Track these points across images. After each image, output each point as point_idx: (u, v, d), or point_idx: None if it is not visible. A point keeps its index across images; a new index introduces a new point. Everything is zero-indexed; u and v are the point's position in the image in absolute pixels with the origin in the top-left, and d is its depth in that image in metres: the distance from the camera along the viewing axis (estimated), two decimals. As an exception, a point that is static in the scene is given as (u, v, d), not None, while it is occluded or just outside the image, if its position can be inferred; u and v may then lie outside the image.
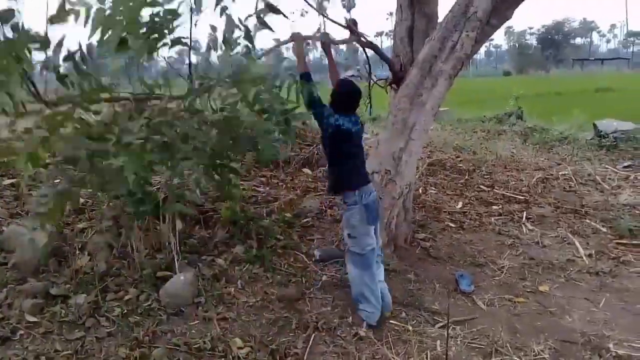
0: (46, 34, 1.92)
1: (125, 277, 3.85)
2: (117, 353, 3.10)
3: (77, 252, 3.97)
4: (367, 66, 4.83)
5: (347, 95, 3.68)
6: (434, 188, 6.92)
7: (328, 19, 4.38)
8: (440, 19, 4.73)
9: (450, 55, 4.39)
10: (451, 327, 3.63)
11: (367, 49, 4.66)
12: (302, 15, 4.93)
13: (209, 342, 3.27)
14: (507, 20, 4.62)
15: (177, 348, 3.19)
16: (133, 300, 3.62)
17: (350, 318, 3.72)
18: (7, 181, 4.93)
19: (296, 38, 3.73)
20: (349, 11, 4.96)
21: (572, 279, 4.58)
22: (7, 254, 3.92)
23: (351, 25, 4.34)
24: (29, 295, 3.50)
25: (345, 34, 4.41)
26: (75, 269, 3.79)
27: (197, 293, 3.78)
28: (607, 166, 8.48)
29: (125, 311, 3.50)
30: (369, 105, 5.25)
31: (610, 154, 9.46)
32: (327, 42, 4.00)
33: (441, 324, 3.72)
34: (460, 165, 8.04)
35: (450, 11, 4.48)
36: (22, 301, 3.44)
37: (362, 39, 4.38)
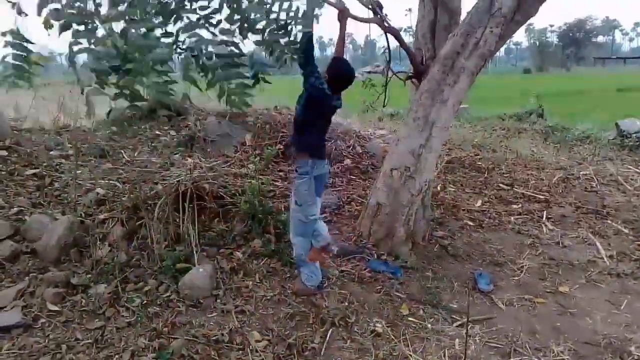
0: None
1: (145, 268, 3.90)
2: (137, 343, 3.14)
3: (98, 242, 4.02)
4: (386, 55, 4.75)
5: (339, 76, 3.69)
6: (452, 186, 6.86)
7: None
8: (463, 15, 4.68)
9: (473, 52, 4.34)
10: (470, 326, 3.60)
11: (389, 39, 4.56)
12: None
13: (227, 335, 3.29)
14: (532, 17, 4.54)
15: (196, 340, 3.22)
16: (152, 291, 3.67)
17: (367, 314, 3.73)
18: (30, 171, 5.00)
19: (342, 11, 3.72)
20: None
21: (592, 280, 4.51)
22: (30, 243, 3.98)
23: (375, 6, 4.24)
24: (50, 284, 3.56)
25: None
26: (95, 259, 3.84)
27: (216, 285, 3.81)
28: (629, 167, 8.34)
29: (145, 302, 3.55)
30: (385, 97, 5.21)
31: (633, 154, 9.31)
32: (344, 12, 3.82)
33: (459, 323, 3.69)
34: (480, 163, 7.96)
35: (474, 7, 4.42)
36: (43, 290, 3.50)
37: (385, 23, 4.29)
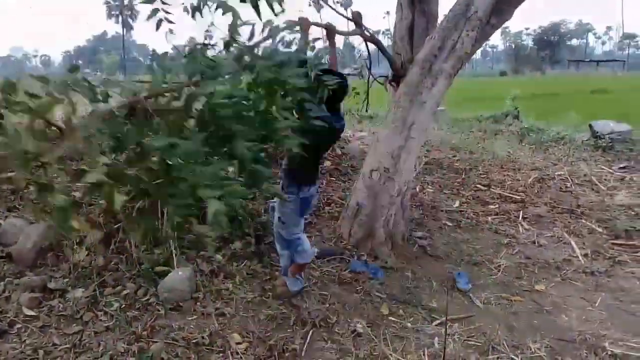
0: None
1: (123, 271, 3.85)
2: (115, 347, 3.10)
3: (75, 246, 3.96)
4: (367, 62, 4.81)
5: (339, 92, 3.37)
6: (430, 187, 6.93)
7: (335, 10, 4.37)
8: (440, 18, 4.75)
9: (450, 55, 4.41)
10: (449, 325, 3.64)
11: (368, 45, 4.64)
12: (309, 4, 4.92)
13: (207, 337, 3.27)
14: (507, 20, 4.64)
15: (176, 343, 3.20)
16: (131, 294, 3.63)
17: (348, 315, 3.75)
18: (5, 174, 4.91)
19: (305, 23, 3.62)
20: (346, 9, 4.94)
21: (568, 278, 4.60)
22: (5, 247, 3.91)
23: (357, 17, 4.32)
24: (26, 288, 3.50)
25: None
26: (73, 263, 3.78)
27: (195, 288, 3.78)
28: (603, 167, 8.52)
29: (124, 306, 3.51)
30: (366, 102, 5.25)
31: (606, 155, 9.51)
32: (332, 30, 3.84)
33: (438, 322, 3.73)
34: (457, 164, 8.06)
35: (450, 10, 4.49)
36: (19, 295, 3.44)
37: (366, 32, 4.37)
